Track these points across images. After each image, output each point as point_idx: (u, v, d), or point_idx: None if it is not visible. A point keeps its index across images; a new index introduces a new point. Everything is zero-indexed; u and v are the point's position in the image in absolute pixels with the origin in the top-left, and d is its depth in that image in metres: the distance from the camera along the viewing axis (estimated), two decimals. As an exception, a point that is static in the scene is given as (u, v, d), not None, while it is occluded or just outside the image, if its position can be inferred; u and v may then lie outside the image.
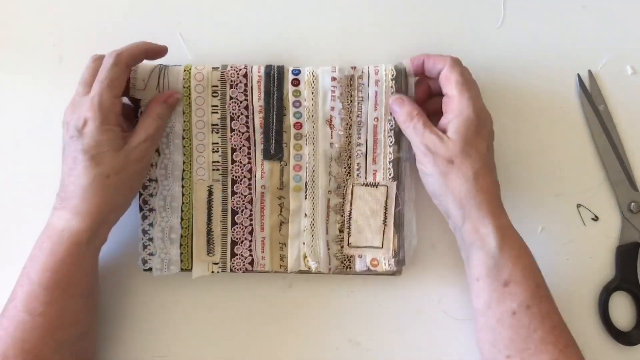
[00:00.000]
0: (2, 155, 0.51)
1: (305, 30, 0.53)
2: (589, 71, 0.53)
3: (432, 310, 0.50)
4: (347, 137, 0.49)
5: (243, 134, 0.49)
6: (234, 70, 0.48)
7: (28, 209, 0.50)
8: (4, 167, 0.51)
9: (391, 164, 0.49)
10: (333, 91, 0.49)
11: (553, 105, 0.52)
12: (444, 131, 0.45)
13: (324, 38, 0.53)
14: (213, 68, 0.49)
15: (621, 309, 0.51)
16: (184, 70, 0.48)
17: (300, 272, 0.49)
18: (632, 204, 0.51)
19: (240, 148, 0.49)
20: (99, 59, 0.45)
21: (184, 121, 0.49)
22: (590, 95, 0.52)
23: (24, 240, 0.50)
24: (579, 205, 0.52)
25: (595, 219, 0.52)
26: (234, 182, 0.49)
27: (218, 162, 0.49)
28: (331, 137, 0.49)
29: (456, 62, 0.46)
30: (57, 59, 0.52)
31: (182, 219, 0.49)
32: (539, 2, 0.54)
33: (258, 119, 0.49)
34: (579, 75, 0.52)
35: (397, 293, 0.51)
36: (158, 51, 0.47)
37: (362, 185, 0.49)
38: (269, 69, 0.48)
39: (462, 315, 0.50)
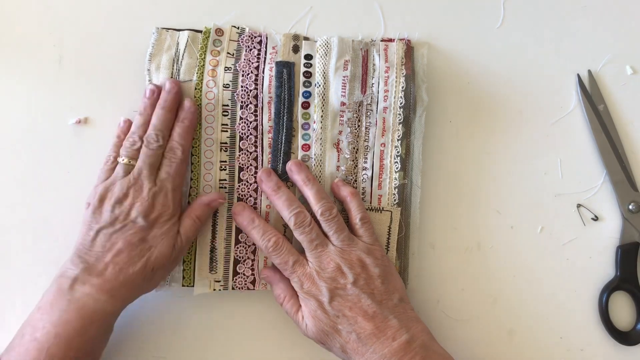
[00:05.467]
0: (1, 155, 0.51)
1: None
2: (589, 71, 0.53)
3: (431, 310, 0.50)
4: (353, 161, 0.49)
5: (251, 153, 0.49)
6: (245, 91, 0.49)
7: (27, 208, 0.50)
8: (3, 167, 0.51)
9: (396, 189, 0.49)
10: (342, 116, 0.49)
11: (553, 105, 0.52)
12: None
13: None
14: (224, 86, 0.49)
15: (621, 309, 0.51)
16: (195, 88, 0.49)
17: None
18: (632, 204, 0.51)
19: (248, 167, 0.49)
20: (140, 135, 0.46)
21: (194, 138, 0.49)
22: (590, 95, 0.52)
23: (23, 240, 0.50)
24: (579, 205, 0.52)
25: (595, 219, 0.52)
26: (239, 199, 0.49)
27: (225, 180, 0.49)
28: (338, 160, 0.49)
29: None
30: (57, 59, 0.52)
31: None
32: (539, 2, 0.54)
33: (267, 139, 0.49)
34: (578, 75, 0.52)
35: (397, 293, 0.51)
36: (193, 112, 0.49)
37: (367, 209, 0.49)
38: (279, 91, 0.49)
39: (461, 315, 0.50)
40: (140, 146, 0.46)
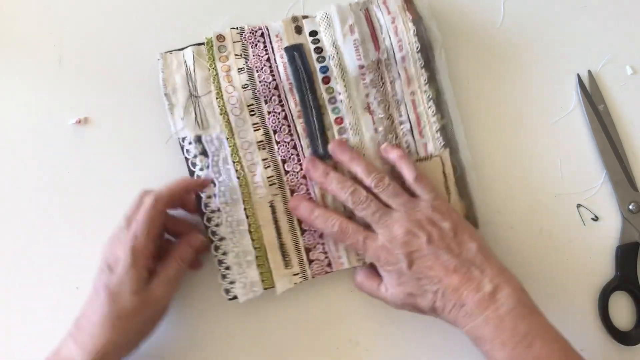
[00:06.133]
0: (1, 155, 0.51)
1: None
2: (589, 71, 0.53)
3: (432, 310, 0.50)
4: (389, 119, 0.49)
5: (289, 143, 0.49)
6: (264, 85, 0.49)
7: (27, 210, 0.50)
8: (3, 167, 0.51)
9: (438, 132, 0.49)
10: (364, 79, 0.49)
11: (553, 105, 0.52)
12: None
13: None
14: (243, 87, 0.49)
15: (621, 309, 0.51)
16: (217, 98, 0.49)
17: None
18: (632, 204, 0.51)
19: (290, 157, 0.49)
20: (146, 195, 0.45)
21: (230, 146, 0.49)
22: (590, 95, 0.52)
23: (22, 242, 0.50)
24: (579, 205, 0.52)
25: (595, 219, 0.52)
26: (292, 191, 0.49)
27: (272, 176, 0.49)
28: (374, 123, 0.49)
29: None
30: (57, 59, 0.52)
31: (252, 240, 0.48)
32: (539, 2, 0.53)
33: (299, 125, 0.49)
34: (578, 75, 0.52)
35: (397, 293, 0.51)
36: (200, 185, 0.48)
37: (416, 161, 0.49)
38: (296, 75, 0.49)
39: (462, 315, 0.50)
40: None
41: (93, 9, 0.52)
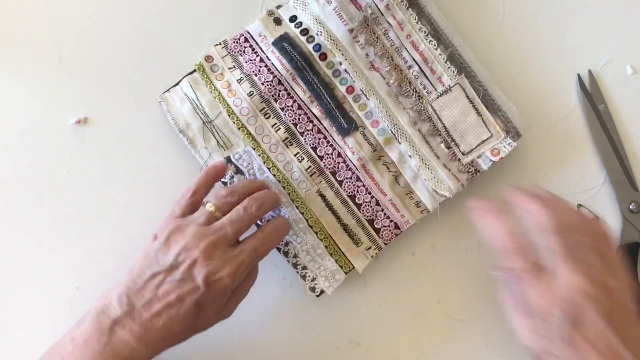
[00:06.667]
0: (1, 155, 0.51)
1: None
2: (589, 71, 0.53)
3: (432, 310, 0.50)
4: (396, 69, 0.50)
5: (312, 129, 0.50)
6: (268, 86, 0.49)
7: (27, 209, 0.50)
8: (3, 166, 0.51)
9: (448, 62, 0.50)
10: (358, 41, 0.49)
11: (553, 105, 0.52)
12: None
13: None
14: (249, 95, 0.49)
15: (621, 309, 0.51)
16: (229, 115, 0.49)
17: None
18: (632, 204, 0.51)
19: (319, 142, 0.50)
20: (240, 195, 0.44)
21: (259, 154, 0.49)
22: (590, 95, 0.52)
23: (22, 242, 0.50)
24: (579, 205, 0.52)
25: (595, 219, 0.51)
26: (333, 173, 0.49)
27: (310, 167, 0.49)
28: (384, 78, 0.49)
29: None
30: (57, 59, 0.52)
31: (316, 233, 0.49)
32: (539, 2, 0.54)
33: (316, 109, 0.49)
34: (579, 75, 0.52)
35: (396, 293, 0.51)
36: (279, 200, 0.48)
37: (438, 97, 0.49)
38: (293, 63, 0.49)
39: (462, 315, 0.50)
40: (235, 204, 0.43)
41: (93, 9, 0.52)
